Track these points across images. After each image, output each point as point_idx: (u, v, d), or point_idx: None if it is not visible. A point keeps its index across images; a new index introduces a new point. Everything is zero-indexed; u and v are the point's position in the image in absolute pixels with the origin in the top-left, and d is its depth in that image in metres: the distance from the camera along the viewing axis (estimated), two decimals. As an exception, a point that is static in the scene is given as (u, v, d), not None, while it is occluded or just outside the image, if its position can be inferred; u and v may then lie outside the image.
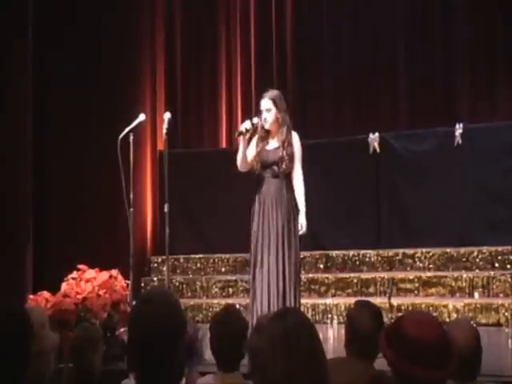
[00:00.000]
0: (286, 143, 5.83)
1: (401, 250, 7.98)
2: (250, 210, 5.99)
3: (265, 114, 5.87)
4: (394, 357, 2.33)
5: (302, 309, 6.84)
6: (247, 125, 5.80)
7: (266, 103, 5.88)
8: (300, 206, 5.85)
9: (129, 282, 6.28)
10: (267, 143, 5.92)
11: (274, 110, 5.85)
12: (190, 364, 3.25)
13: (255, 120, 5.90)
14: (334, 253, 8.25)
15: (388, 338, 2.39)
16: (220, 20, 9.61)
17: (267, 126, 5.89)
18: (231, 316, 3.47)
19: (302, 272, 8.05)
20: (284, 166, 5.81)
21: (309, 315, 7.09)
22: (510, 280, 7.30)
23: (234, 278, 8.25)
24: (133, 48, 9.16)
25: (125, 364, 5.06)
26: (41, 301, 6.22)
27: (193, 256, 8.71)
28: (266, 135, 5.93)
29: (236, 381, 3.30)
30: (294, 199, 5.87)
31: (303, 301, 7.48)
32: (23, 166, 8.48)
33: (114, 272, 6.48)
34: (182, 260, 8.71)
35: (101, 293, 6.24)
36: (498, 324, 6.95)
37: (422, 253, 7.87)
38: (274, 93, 5.98)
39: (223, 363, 3.33)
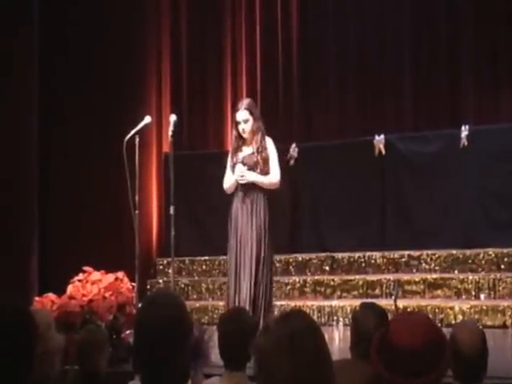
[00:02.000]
0: (261, 148, 6.09)
1: (406, 252, 7.95)
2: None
3: (242, 125, 6.11)
4: (379, 364, 2.31)
5: (306, 310, 6.87)
6: (242, 169, 6.04)
7: (243, 114, 6.11)
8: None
9: (134, 284, 6.29)
10: (241, 150, 6.16)
11: (250, 119, 6.10)
12: (196, 366, 3.26)
13: (240, 157, 6.11)
14: (339, 255, 8.23)
15: (378, 346, 2.35)
16: (225, 19, 9.61)
17: (245, 135, 6.13)
18: (241, 314, 3.61)
19: (308, 274, 8.20)
20: (258, 171, 6.06)
21: (314, 317, 7.09)
22: (516, 282, 7.29)
23: (239, 279, 8.22)
24: (138, 47, 9.16)
25: (130, 366, 5.06)
26: (46, 303, 6.23)
27: (198, 258, 8.70)
28: (242, 142, 6.17)
29: (242, 381, 3.32)
30: (268, 201, 6.11)
31: (309, 303, 7.58)
32: (28, 166, 8.48)
33: (120, 274, 6.48)
34: (187, 262, 8.70)
35: (106, 295, 6.25)
36: (503, 326, 6.92)
37: (427, 254, 7.84)
38: (248, 102, 6.27)
39: (231, 361, 3.36)
